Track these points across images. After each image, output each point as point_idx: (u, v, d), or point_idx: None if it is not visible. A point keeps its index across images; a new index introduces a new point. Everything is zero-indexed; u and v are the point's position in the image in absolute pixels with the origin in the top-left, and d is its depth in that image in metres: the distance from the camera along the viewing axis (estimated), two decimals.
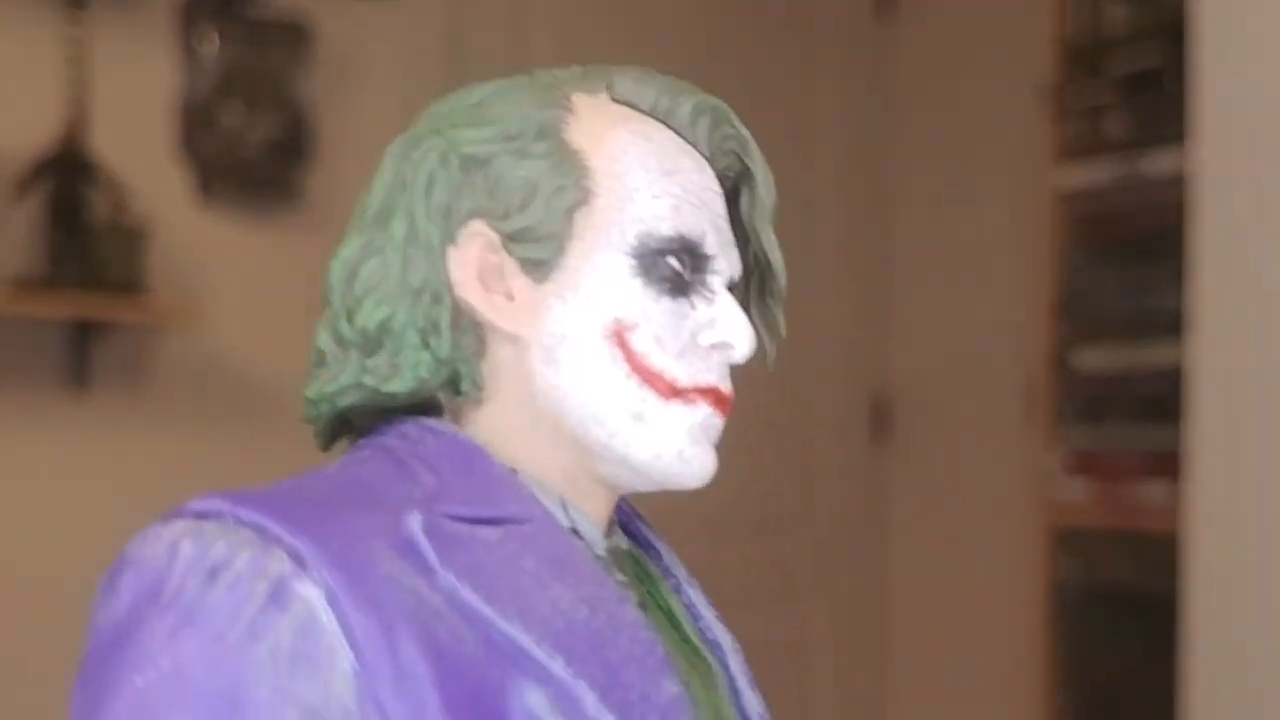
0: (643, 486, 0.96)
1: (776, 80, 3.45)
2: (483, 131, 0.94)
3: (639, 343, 0.93)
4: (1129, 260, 2.84)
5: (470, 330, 0.93)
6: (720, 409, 0.96)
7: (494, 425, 0.95)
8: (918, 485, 3.51)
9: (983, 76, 3.33)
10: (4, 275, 2.58)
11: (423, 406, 0.96)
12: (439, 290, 0.93)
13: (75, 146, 2.62)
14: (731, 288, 0.97)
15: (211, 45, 2.78)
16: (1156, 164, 2.73)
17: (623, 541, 0.99)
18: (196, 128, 2.78)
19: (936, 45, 3.48)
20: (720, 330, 0.95)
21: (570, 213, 0.93)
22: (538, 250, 0.93)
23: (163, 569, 0.88)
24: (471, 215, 0.93)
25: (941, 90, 3.45)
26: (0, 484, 2.64)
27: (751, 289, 1.01)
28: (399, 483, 0.91)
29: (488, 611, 0.85)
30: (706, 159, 1.00)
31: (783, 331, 1.02)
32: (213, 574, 0.85)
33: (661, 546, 1.04)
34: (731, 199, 1.01)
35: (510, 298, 0.93)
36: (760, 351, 0.98)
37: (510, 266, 0.93)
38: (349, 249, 0.95)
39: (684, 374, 0.94)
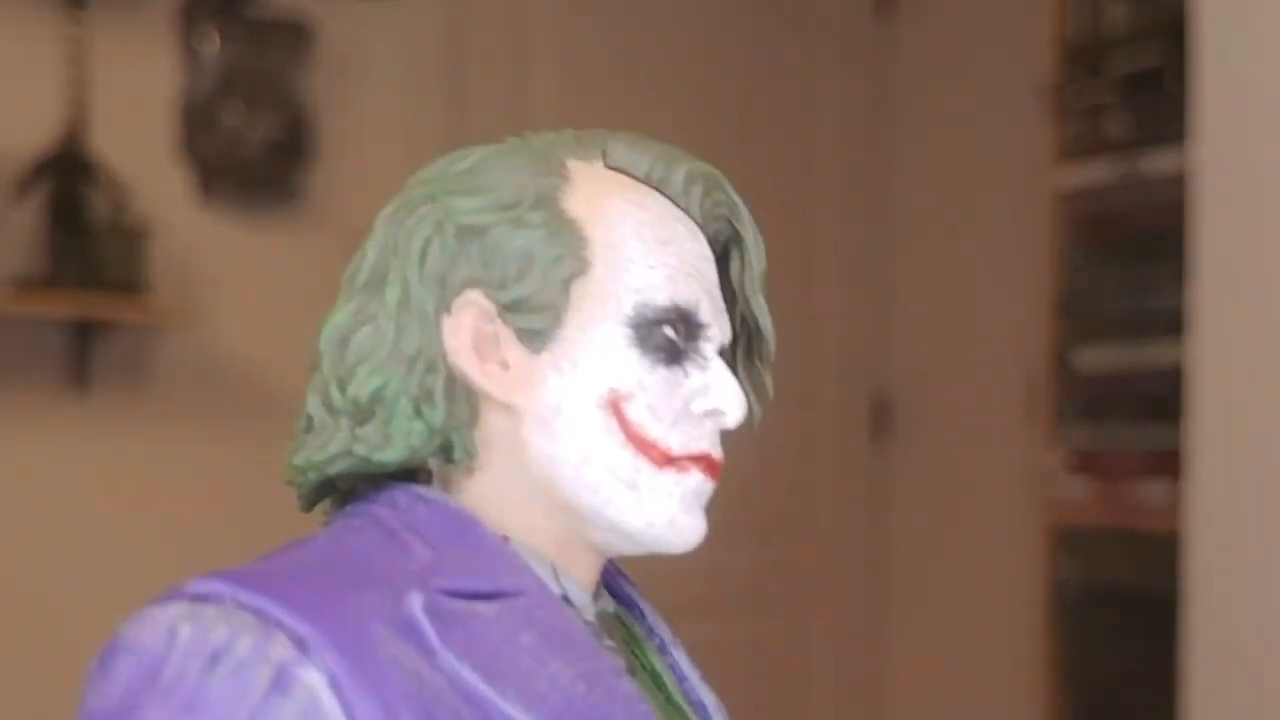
0: (632, 551, 0.97)
1: (777, 80, 3.45)
2: (478, 200, 0.93)
3: (634, 413, 0.93)
4: (1129, 260, 2.84)
5: (463, 399, 0.93)
6: (711, 475, 0.97)
7: (485, 493, 0.94)
8: (918, 485, 3.51)
9: (983, 76, 3.33)
10: (4, 275, 2.58)
11: (411, 471, 0.96)
12: (433, 359, 0.92)
13: (75, 146, 2.62)
14: (721, 352, 0.98)
15: (212, 45, 2.78)
16: (1157, 164, 2.73)
17: (609, 604, 1.00)
18: (197, 127, 2.78)
19: (936, 45, 3.48)
20: (714, 398, 0.96)
21: (567, 283, 0.93)
22: (534, 320, 0.93)
23: (160, 654, 0.85)
24: (467, 284, 0.93)
25: (942, 90, 3.45)
26: (1, 483, 2.64)
27: (739, 352, 1.02)
28: (393, 555, 0.90)
29: (488, 692, 0.85)
30: (699, 225, 1.00)
31: (770, 394, 1.02)
32: (214, 660, 0.83)
33: (645, 606, 1.05)
34: (721, 261, 1.01)
35: (505, 367, 0.93)
36: (748, 414, 0.99)
37: (505, 336, 0.93)
38: (340, 315, 0.94)
39: (677, 442, 0.94)
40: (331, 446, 0.94)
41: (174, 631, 0.85)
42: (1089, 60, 2.91)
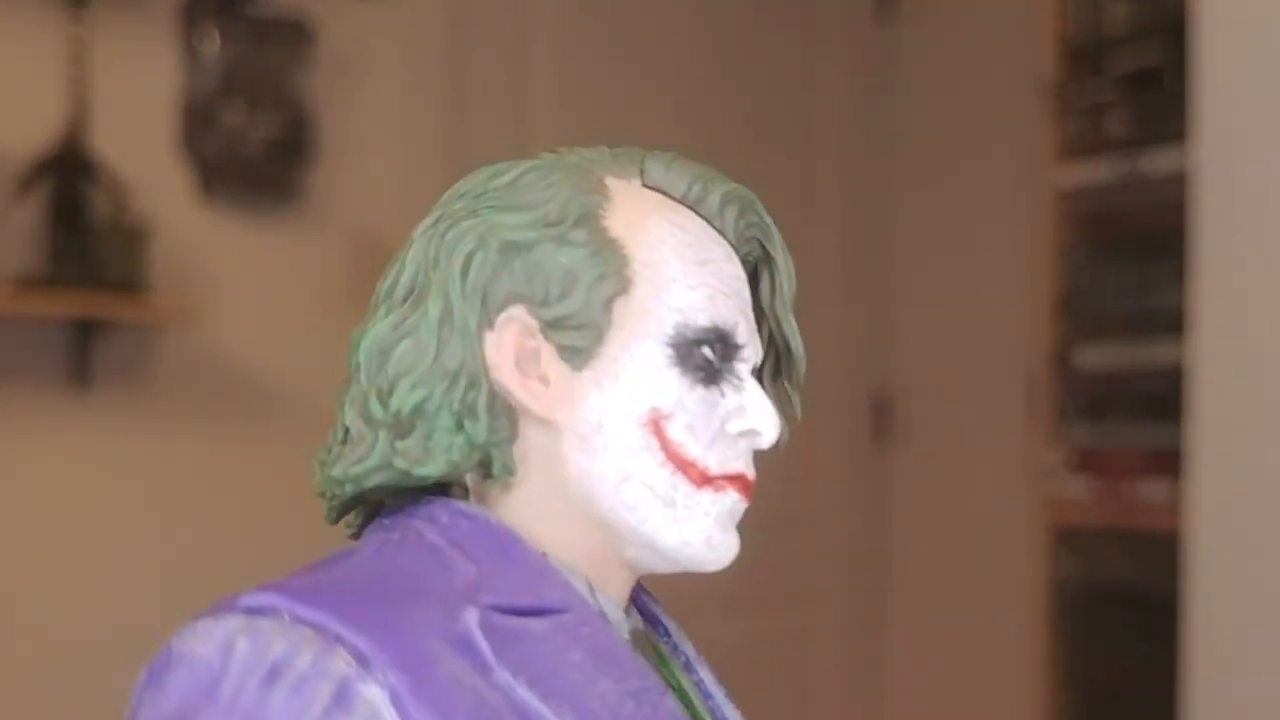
0: (665, 569, 0.98)
1: (778, 80, 3.45)
2: (521, 216, 0.94)
3: (674, 432, 0.94)
4: (1130, 258, 2.84)
5: (504, 414, 0.93)
6: (746, 495, 1.00)
7: (523, 509, 0.95)
8: (919, 484, 3.51)
9: (984, 75, 3.33)
10: (5, 274, 2.58)
11: (443, 485, 0.97)
12: (476, 374, 0.93)
13: (76, 145, 2.62)
14: (752, 372, 0.99)
15: (213, 44, 2.79)
16: (1157, 162, 2.73)
17: (638, 621, 1.01)
18: (198, 126, 2.78)
19: (937, 44, 3.48)
20: (750, 418, 0.98)
21: (610, 301, 0.93)
22: (577, 338, 0.93)
23: (218, 668, 0.84)
24: (509, 300, 0.93)
25: (942, 89, 3.45)
26: (1, 482, 2.64)
27: (767, 372, 1.03)
28: (437, 571, 0.90)
29: (543, 709, 0.85)
30: (733, 246, 1.00)
31: (799, 414, 1.05)
32: (273, 675, 0.83)
33: (669, 623, 1.07)
34: (750, 281, 1.02)
35: (545, 383, 0.93)
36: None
37: (547, 352, 0.93)
38: (380, 327, 0.94)
39: (715, 462, 0.96)
40: (370, 459, 0.94)
41: (230, 645, 0.84)
42: (1090, 59, 2.91)
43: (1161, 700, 2.57)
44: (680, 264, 0.96)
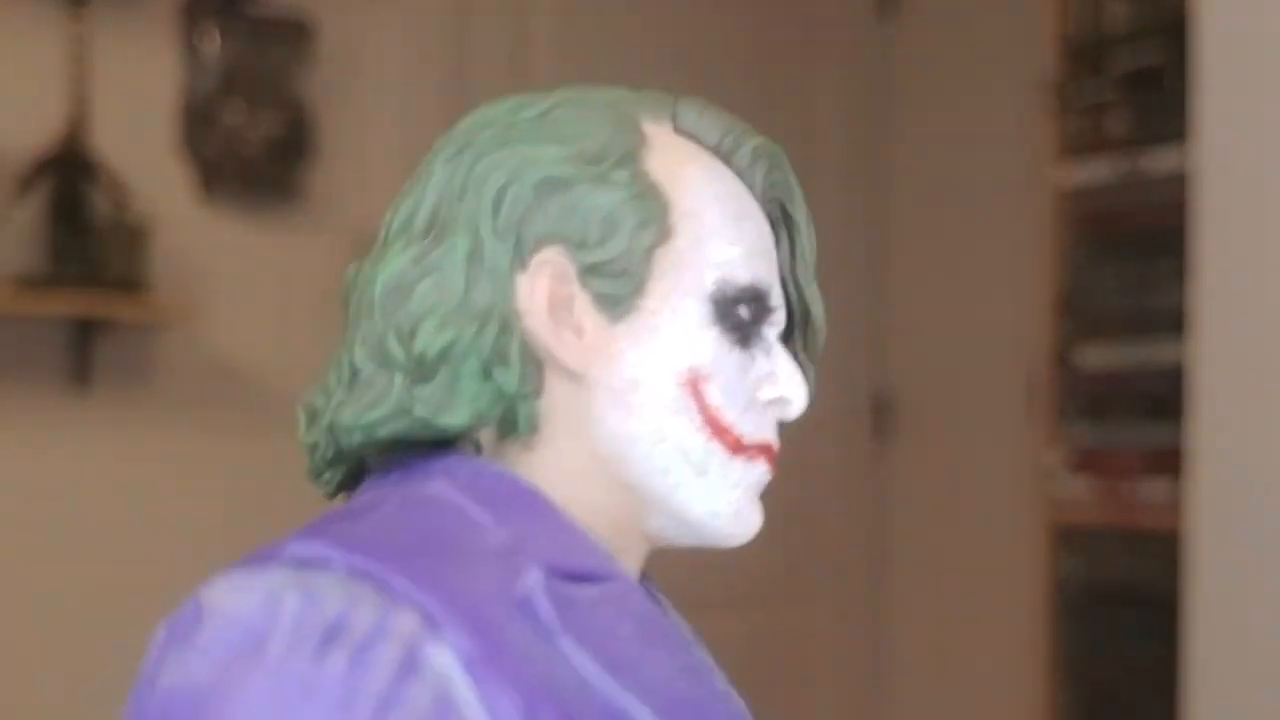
0: (685, 541, 0.92)
1: (778, 78, 3.45)
2: (560, 150, 0.87)
3: (713, 395, 0.88)
4: (1130, 258, 2.84)
5: (533, 364, 0.86)
6: (773, 466, 0.93)
7: (545, 469, 0.87)
8: (919, 484, 3.51)
9: (984, 74, 3.33)
10: (5, 273, 2.58)
11: (445, 441, 0.88)
12: (507, 318, 0.85)
13: (77, 145, 2.62)
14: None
15: (213, 43, 2.78)
16: (1158, 162, 2.73)
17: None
18: (198, 126, 2.78)
19: (938, 43, 3.48)
20: (781, 386, 0.93)
21: (650, 250, 0.87)
22: (616, 286, 0.86)
23: (264, 627, 0.73)
24: (544, 241, 0.86)
25: (943, 88, 3.45)
26: (1, 482, 2.64)
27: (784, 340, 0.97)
28: (469, 531, 0.82)
29: (610, 682, 0.79)
30: (759, 203, 0.95)
31: (812, 388, 0.99)
32: (330, 636, 0.72)
33: (663, 598, 1.00)
34: None
35: (579, 333, 0.86)
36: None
37: (582, 300, 0.86)
38: (398, 262, 0.86)
39: (749, 429, 0.90)
40: (385, 405, 0.85)
41: (277, 600, 0.74)
42: (1090, 58, 2.91)
43: (1162, 700, 2.57)
44: (721, 217, 0.90)
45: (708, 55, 3.34)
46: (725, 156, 0.94)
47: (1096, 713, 2.93)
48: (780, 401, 0.93)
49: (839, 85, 3.54)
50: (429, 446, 0.87)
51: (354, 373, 0.86)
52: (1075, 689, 2.95)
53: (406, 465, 0.87)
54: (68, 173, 2.60)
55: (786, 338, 0.97)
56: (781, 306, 0.94)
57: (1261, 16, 2.08)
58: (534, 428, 0.86)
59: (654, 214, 0.87)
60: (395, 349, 0.85)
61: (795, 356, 0.98)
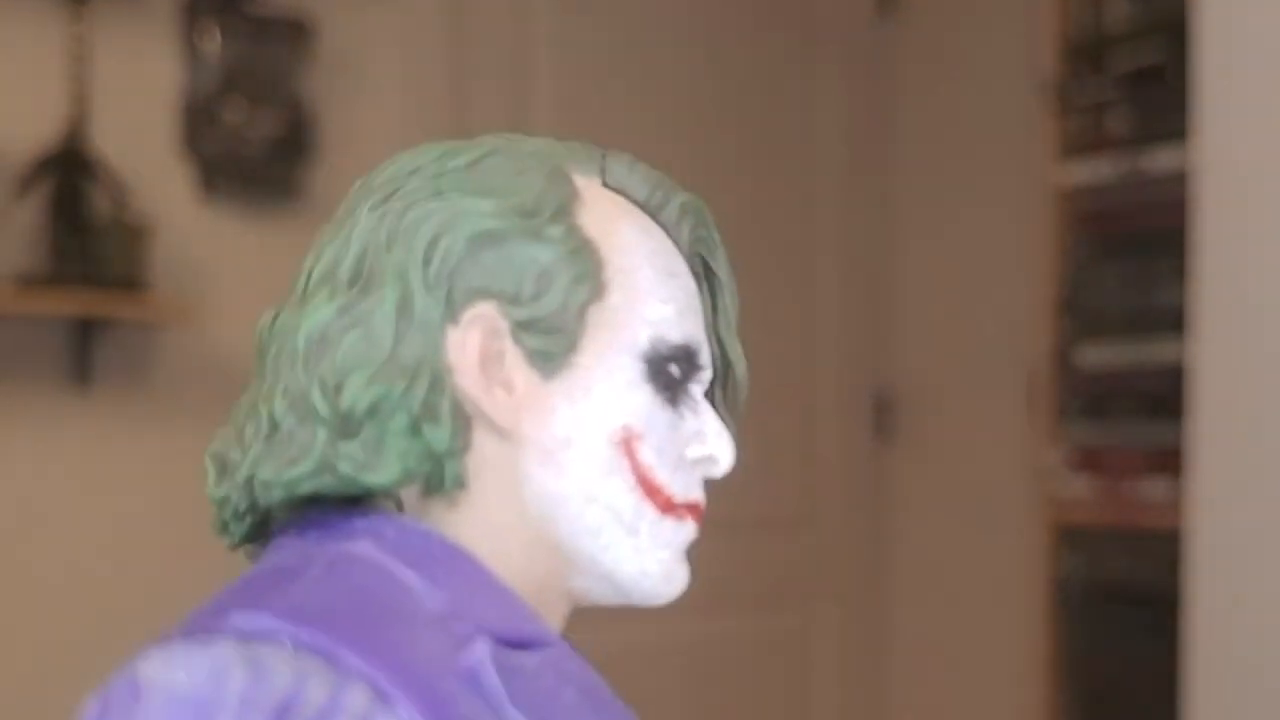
0: (610, 601, 0.90)
1: (778, 78, 3.45)
2: (493, 203, 0.85)
3: (645, 454, 0.87)
4: (1131, 257, 2.84)
5: (461, 420, 0.83)
6: (699, 524, 0.91)
7: (469, 528, 0.85)
8: (920, 482, 3.51)
9: (984, 73, 3.33)
10: (5, 272, 2.58)
11: (356, 498, 0.85)
12: (438, 374, 0.83)
13: (77, 143, 2.62)
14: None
15: (213, 42, 2.78)
16: (1159, 161, 2.72)
17: None
18: (198, 125, 2.78)
19: (938, 42, 3.48)
20: (709, 444, 0.90)
21: (584, 307, 0.85)
22: (550, 343, 0.85)
23: (210, 705, 0.69)
24: (476, 295, 0.84)
25: (943, 87, 3.45)
26: (1, 481, 2.64)
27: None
28: (400, 596, 0.79)
29: None
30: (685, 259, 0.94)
31: (737, 444, 0.95)
32: (280, 714, 0.69)
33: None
34: None
35: (509, 390, 0.84)
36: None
37: (513, 356, 0.85)
38: (323, 312, 0.83)
39: (679, 489, 0.89)
40: (307, 461, 0.82)
41: (222, 676, 0.71)
42: (1091, 57, 2.91)
43: (1163, 699, 2.57)
44: (653, 274, 0.89)
45: (708, 55, 3.33)
46: (653, 212, 0.92)
47: (1096, 711, 2.93)
48: (708, 460, 0.91)
49: (839, 85, 3.54)
50: (344, 501, 0.85)
51: (274, 425, 0.83)
52: (1075, 688, 2.95)
53: (325, 523, 0.84)
54: (68, 172, 2.60)
55: (709, 394, 0.95)
56: (709, 365, 0.92)
57: (1262, 15, 2.08)
58: (461, 485, 0.84)
59: (588, 270, 0.86)
60: (319, 402, 0.82)
61: (718, 412, 0.95)
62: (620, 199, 0.91)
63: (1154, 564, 2.74)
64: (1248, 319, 2.07)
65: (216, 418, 2.96)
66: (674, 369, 0.88)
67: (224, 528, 0.88)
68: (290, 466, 0.82)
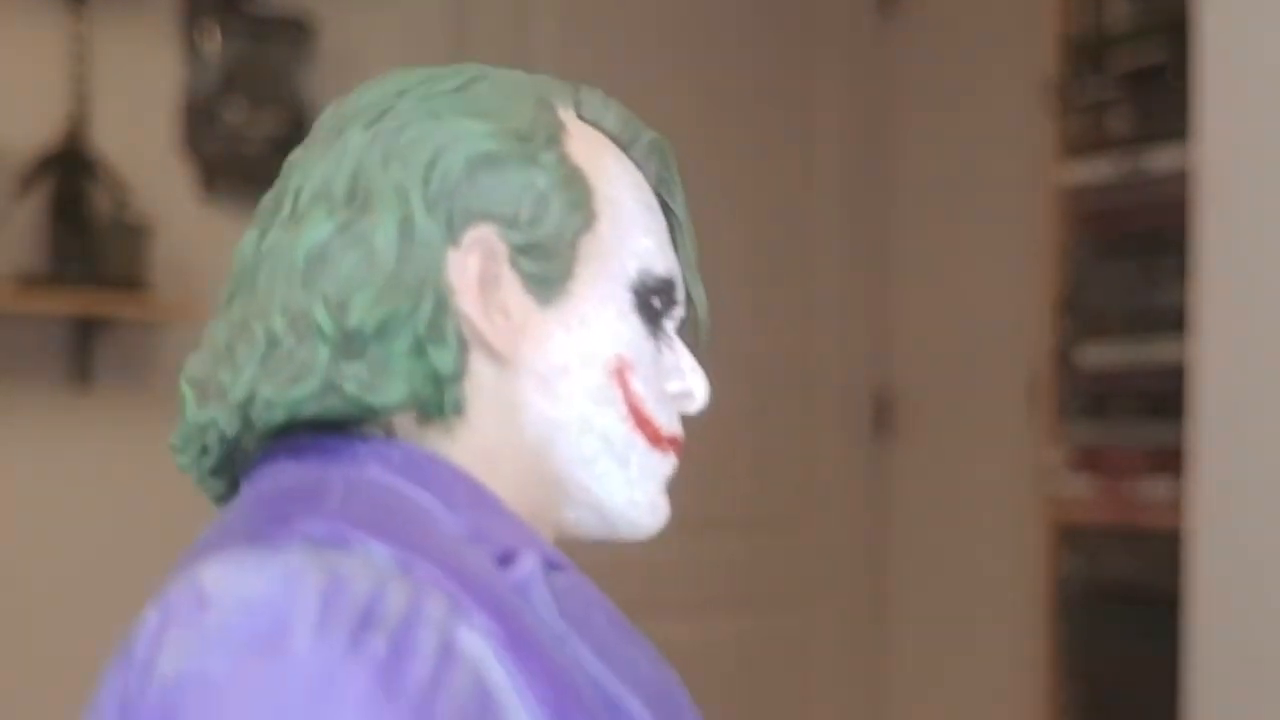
0: (595, 533, 0.89)
1: (779, 77, 3.45)
2: (488, 125, 0.84)
3: (637, 384, 0.87)
4: (1132, 257, 2.84)
5: (461, 344, 0.82)
6: (678, 458, 0.91)
7: (466, 454, 0.84)
8: (920, 482, 3.51)
9: (985, 73, 3.33)
10: (6, 272, 2.58)
11: (338, 423, 0.82)
12: (442, 294, 0.81)
13: (78, 143, 2.62)
14: None
15: (214, 42, 2.78)
16: (1159, 160, 2.72)
17: None
18: (199, 124, 2.78)
19: (939, 42, 3.48)
20: (686, 379, 0.91)
21: (577, 234, 0.85)
22: (546, 268, 0.84)
23: (286, 612, 0.65)
24: (475, 217, 0.83)
25: (944, 87, 3.45)
26: (2, 480, 2.64)
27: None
28: (428, 518, 0.77)
29: (607, 673, 0.76)
30: None
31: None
32: (365, 622, 0.65)
33: None
34: None
35: (506, 315, 0.83)
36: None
37: (510, 281, 0.84)
38: (321, 229, 0.81)
39: (664, 421, 0.89)
40: (310, 380, 0.79)
41: (298, 583, 0.66)
42: (1092, 57, 2.91)
43: (1163, 698, 2.57)
44: (636, 206, 0.89)
45: (708, 54, 3.33)
46: (624, 147, 0.92)
47: (1097, 711, 2.93)
48: (685, 395, 0.91)
49: (839, 83, 3.54)
50: (326, 427, 0.83)
51: (272, 343, 0.80)
52: (1076, 688, 2.95)
53: (321, 447, 0.81)
54: (68, 171, 2.60)
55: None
56: (683, 301, 0.92)
57: (1263, 15, 2.07)
58: (459, 410, 0.82)
59: (581, 198, 0.85)
60: (324, 320, 0.79)
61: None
62: (597, 132, 0.90)
63: (1154, 564, 2.74)
64: (1248, 319, 2.07)
65: None
66: (656, 301, 0.88)
67: (201, 454, 0.85)
68: (293, 385, 0.79)
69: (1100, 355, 2.91)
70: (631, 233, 0.88)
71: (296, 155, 0.87)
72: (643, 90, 3.25)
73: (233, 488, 0.89)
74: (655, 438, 0.88)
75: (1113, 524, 2.87)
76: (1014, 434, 3.19)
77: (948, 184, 3.43)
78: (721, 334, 3.87)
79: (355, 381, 0.79)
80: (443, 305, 0.81)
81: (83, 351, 2.67)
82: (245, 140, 2.81)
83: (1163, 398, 2.71)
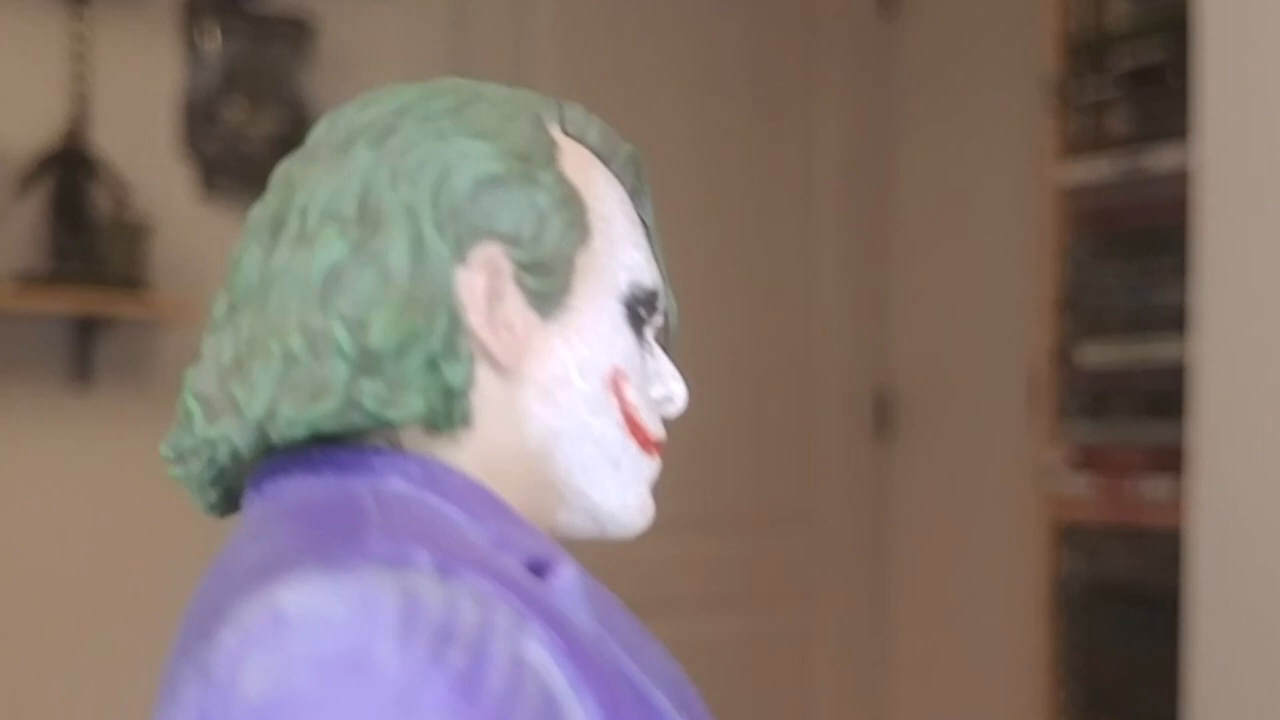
0: (588, 534, 0.94)
1: (779, 76, 3.45)
2: (489, 146, 0.87)
3: (630, 393, 0.92)
4: (1132, 256, 2.84)
5: (471, 359, 0.86)
6: (661, 460, 0.96)
7: (471, 464, 0.87)
8: (920, 481, 3.51)
9: (985, 72, 3.33)
10: (7, 271, 2.58)
11: (337, 437, 0.86)
12: (455, 311, 0.84)
13: (78, 142, 2.62)
14: None
15: (214, 41, 2.78)
16: (1160, 159, 2.72)
17: None
18: (199, 123, 2.78)
19: (939, 41, 3.48)
20: (668, 385, 0.96)
21: (575, 250, 0.89)
22: (548, 284, 0.88)
23: (364, 630, 0.67)
24: (481, 235, 0.86)
25: (944, 86, 3.45)
26: (2, 479, 2.64)
27: None
28: (460, 529, 0.80)
29: (640, 674, 0.79)
30: None
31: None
32: (444, 637, 0.68)
33: None
34: None
35: (510, 330, 0.87)
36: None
37: (514, 297, 0.87)
38: (336, 248, 0.84)
39: (652, 426, 0.94)
40: (332, 398, 0.82)
41: (376, 603, 0.68)
42: (1092, 56, 2.91)
43: (1164, 697, 2.57)
44: (624, 220, 0.93)
45: (708, 54, 3.33)
46: (605, 160, 0.96)
47: (1098, 710, 2.93)
48: (666, 399, 0.96)
49: (839, 85, 3.54)
50: (329, 440, 0.86)
51: (290, 362, 0.83)
52: (1076, 687, 2.95)
53: (336, 461, 0.84)
54: (68, 170, 2.60)
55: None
56: (663, 310, 0.97)
57: (1263, 14, 2.07)
58: (467, 421, 0.86)
59: (577, 216, 0.89)
60: (343, 339, 0.82)
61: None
62: (582, 147, 0.95)
63: (1155, 563, 2.74)
64: (1248, 318, 2.07)
65: None
66: (642, 311, 0.93)
67: (207, 469, 0.88)
68: (314, 403, 0.82)
69: (1100, 355, 2.91)
70: (622, 247, 0.92)
71: (295, 170, 0.90)
72: (642, 90, 3.26)
73: (226, 497, 0.92)
74: (645, 442, 0.93)
75: (1113, 523, 2.87)
76: (1014, 433, 3.19)
77: (948, 184, 3.43)
78: (722, 334, 3.88)
79: (374, 398, 0.82)
80: (456, 322, 0.84)
81: (83, 351, 2.67)
82: (245, 140, 2.81)
83: (1163, 397, 2.71)
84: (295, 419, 0.83)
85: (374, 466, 0.83)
